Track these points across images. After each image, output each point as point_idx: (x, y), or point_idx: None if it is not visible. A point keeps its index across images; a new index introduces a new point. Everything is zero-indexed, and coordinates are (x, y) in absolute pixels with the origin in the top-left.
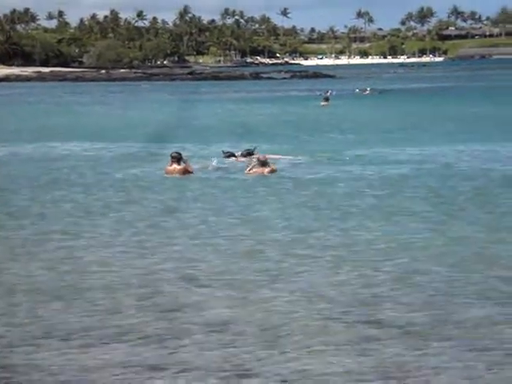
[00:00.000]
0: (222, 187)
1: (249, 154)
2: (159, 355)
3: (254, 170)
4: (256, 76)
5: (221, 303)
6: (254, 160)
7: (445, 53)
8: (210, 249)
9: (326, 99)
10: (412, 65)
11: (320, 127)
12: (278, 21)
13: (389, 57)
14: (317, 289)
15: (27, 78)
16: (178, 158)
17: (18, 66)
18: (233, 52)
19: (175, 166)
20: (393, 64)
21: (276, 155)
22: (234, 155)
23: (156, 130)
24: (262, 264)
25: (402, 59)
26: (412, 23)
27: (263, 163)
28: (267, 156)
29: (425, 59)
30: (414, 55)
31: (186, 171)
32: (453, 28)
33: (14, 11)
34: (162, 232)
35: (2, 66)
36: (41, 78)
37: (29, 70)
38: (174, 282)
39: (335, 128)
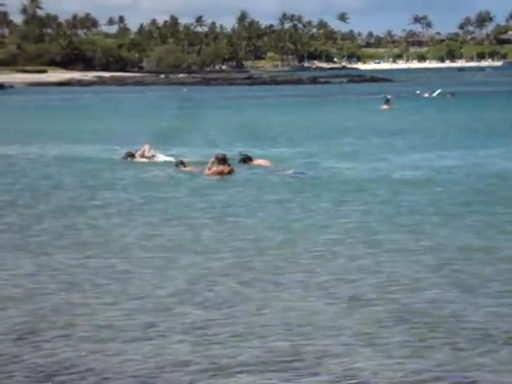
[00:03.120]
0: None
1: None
2: None
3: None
4: (313, 80)
5: None
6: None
7: (504, 57)
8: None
9: (387, 102)
10: (471, 69)
11: (386, 132)
12: (336, 25)
13: (447, 61)
14: None
15: (88, 83)
16: (224, 160)
17: (78, 70)
18: (290, 57)
19: (223, 168)
20: (451, 68)
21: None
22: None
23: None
24: None
25: (460, 63)
26: (470, 27)
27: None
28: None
29: (483, 63)
30: (472, 59)
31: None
32: (511, 32)
33: (75, 17)
34: None
35: (63, 71)
36: (101, 82)
37: (90, 75)
38: None
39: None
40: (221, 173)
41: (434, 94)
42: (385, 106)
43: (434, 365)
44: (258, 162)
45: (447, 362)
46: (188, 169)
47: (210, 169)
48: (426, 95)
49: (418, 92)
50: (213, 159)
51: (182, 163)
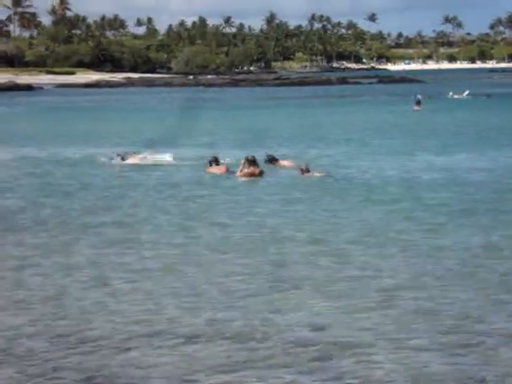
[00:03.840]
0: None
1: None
2: None
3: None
4: (342, 81)
5: None
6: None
7: None
8: None
9: (418, 103)
10: (503, 70)
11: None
12: (365, 26)
13: (478, 62)
14: None
15: (117, 84)
16: (254, 161)
17: (107, 71)
18: (319, 57)
19: (254, 169)
20: (482, 69)
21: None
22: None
23: None
24: None
25: (491, 64)
26: (501, 28)
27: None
28: None
29: None
30: (503, 60)
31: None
32: None
33: (103, 18)
34: None
35: (92, 72)
36: (130, 83)
37: (118, 76)
38: None
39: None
40: (252, 174)
41: (465, 95)
42: (416, 107)
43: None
44: (283, 163)
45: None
46: (217, 170)
47: (241, 170)
48: (456, 96)
49: (451, 93)
50: (243, 161)
51: (215, 161)
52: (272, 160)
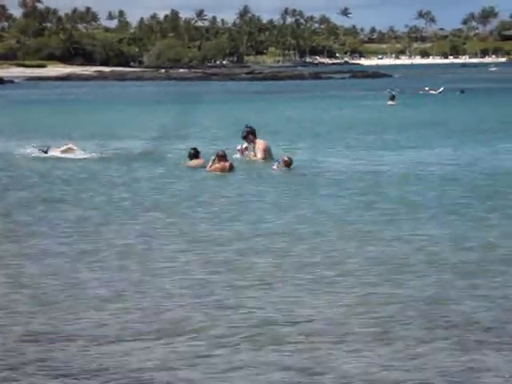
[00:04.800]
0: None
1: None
2: None
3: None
4: (315, 76)
5: None
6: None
7: (507, 53)
8: None
9: (392, 98)
10: (475, 65)
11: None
12: (338, 20)
13: (450, 57)
14: None
15: (88, 77)
16: (225, 156)
17: (78, 65)
18: (292, 52)
19: (224, 164)
20: (454, 64)
21: None
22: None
23: None
24: None
25: (463, 59)
26: (474, 23)
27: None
28: None
29: (487, 60)
30: (475, 56)
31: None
32: None
33: (75, 11)
34: None
35: (63, 65)
36: (102, 77)
37: (90, 70)
38: None
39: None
40: (222, 169)
41: (439, 91)
42: (390, 102)
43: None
44: (258, 142)
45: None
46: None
47: (211, 166)
48: (433, 92)
49: (426, 88)
50: (213, 157)
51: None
52: (251, 132)
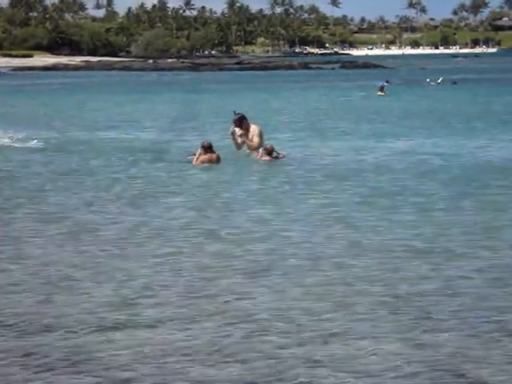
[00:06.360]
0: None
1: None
2: None
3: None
4: (305, 66)
5: None
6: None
7: (498, 43)
8: None
9: (382, 89)
10: (465, 55)
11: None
12: (328, 10)
13: (441, 47)
14: None
15: (75, 68)
16: (211, 147)
17: (65, 55)
18: (281, 42)
19: (211, 155)
20: (445, 55)
21: None
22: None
23: None
24: None
25: (454, 50)
26: (464, 13)
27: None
28: None
29: (478, 50)
30: (466, 46)
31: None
32: (506, 18)
33: (62, 0)
34: None
35: (49, 55)
36: (89, 67)
37: (77, 60)
38: None
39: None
40: (209, 161)
41: (438, 81)
42: (380, 93)
43: None
44: (253, 127)
45: None
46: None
47: (197, 158)
48: (433, 84)
49: (428, 80)
50: (199, 149)
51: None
52: (244, 119)
